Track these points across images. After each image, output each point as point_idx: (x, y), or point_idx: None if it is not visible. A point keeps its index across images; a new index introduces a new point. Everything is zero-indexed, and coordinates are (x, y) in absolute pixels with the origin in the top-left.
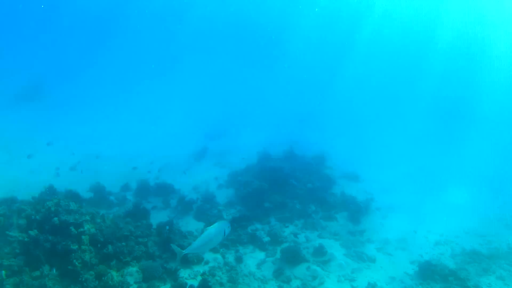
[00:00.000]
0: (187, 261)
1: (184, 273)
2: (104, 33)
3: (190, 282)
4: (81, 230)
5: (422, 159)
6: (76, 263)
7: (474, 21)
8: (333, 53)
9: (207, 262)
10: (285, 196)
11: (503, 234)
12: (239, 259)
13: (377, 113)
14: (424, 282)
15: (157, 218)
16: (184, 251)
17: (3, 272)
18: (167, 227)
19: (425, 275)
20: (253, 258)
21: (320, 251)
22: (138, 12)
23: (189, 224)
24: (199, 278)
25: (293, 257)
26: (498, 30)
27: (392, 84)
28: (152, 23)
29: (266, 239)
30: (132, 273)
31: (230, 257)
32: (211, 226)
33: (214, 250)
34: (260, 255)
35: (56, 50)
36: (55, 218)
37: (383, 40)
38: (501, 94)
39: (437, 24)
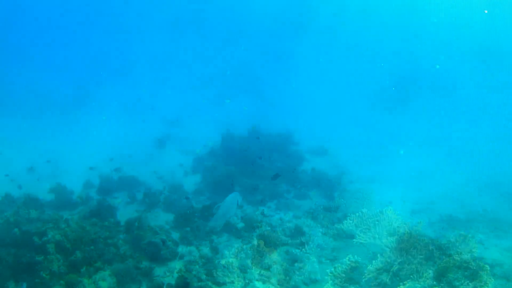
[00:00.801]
0: (160, 258)
1: (159, 271)
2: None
3: (166, 280)
4: (45, 238)
5: (385, 129)
6: (44, 274)
7: None
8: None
9: (181, 257)
10: (255, 177)
11: (476, 197)
12: (215, 250)
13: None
14: (406, 254)
15: (125, 214)
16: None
17: None
18: (136, 224)
19: (406, 247)
20: (229, 247)
21: (297, 232)
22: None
23: (159, 217)
24: (176, 275)
25: (270, 241)
26: None
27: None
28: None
29: (240, 225)
30: (105, 278)
31: (205, 249)
32: (225, 200)
33: (187, 242)
34: (236, 243)
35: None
36: (16, 229)
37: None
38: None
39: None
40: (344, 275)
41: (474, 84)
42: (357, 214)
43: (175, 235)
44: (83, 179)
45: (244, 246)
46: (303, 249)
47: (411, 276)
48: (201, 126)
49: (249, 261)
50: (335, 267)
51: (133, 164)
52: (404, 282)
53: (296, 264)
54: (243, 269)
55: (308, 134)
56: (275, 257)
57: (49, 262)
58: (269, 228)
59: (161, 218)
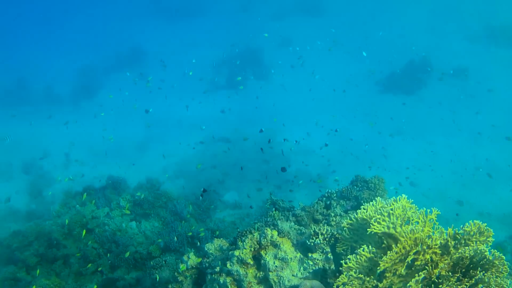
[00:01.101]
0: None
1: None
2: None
3: None
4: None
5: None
6: None
7: None
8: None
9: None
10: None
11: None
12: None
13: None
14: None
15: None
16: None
17: None
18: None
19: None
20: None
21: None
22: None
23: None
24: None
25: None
26: None
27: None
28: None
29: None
30: None
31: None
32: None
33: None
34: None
35: None
36: None
37: None
38: None
39: None
40: (358, 265)
41: (486, 69)
42: (371, 202)
43: (162, 243)
44: (65, 188)
45: (235, 253)
46: (295, 252)
47: (426, 267)
48: (182, 128)
49: (241, 270)
50: (349, 258)
51: (114, 169)
52: (420, 273)
53: (287, 269)
54: (237, 279)
55: (291, 131)
56: (266, 263)
57: (34, 278)
58: (258, 233)
59: (146, 226)
